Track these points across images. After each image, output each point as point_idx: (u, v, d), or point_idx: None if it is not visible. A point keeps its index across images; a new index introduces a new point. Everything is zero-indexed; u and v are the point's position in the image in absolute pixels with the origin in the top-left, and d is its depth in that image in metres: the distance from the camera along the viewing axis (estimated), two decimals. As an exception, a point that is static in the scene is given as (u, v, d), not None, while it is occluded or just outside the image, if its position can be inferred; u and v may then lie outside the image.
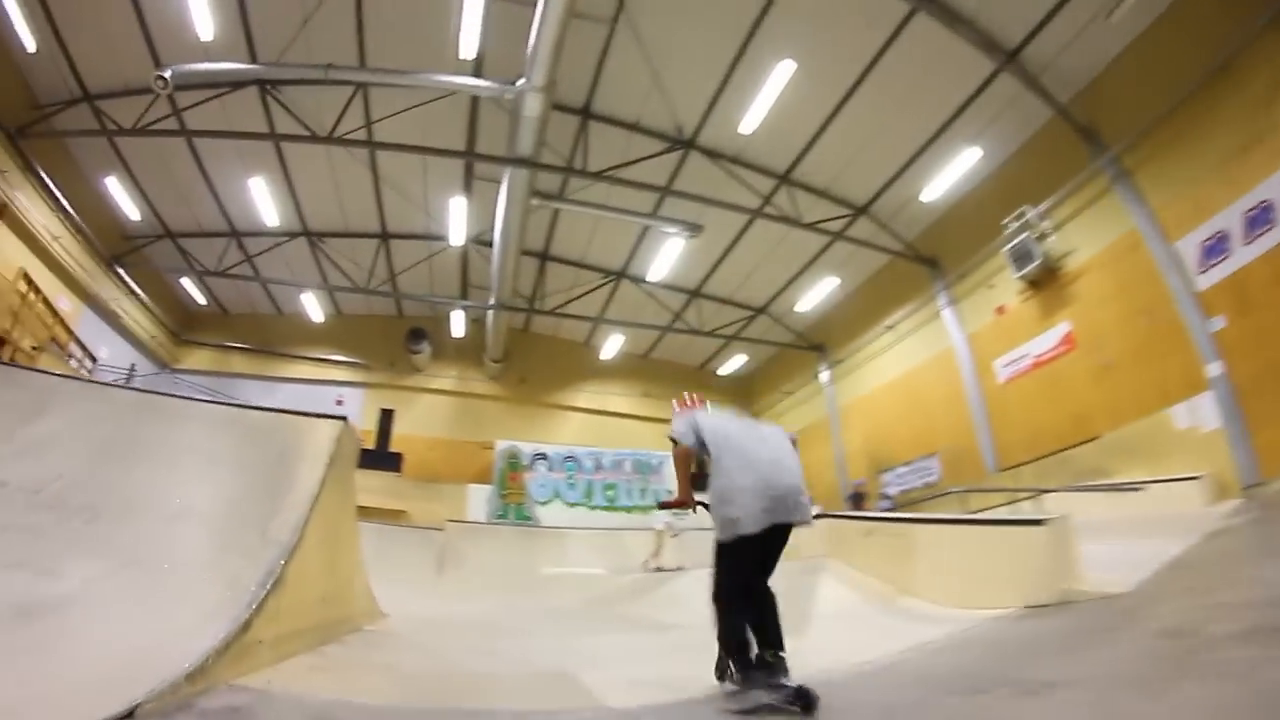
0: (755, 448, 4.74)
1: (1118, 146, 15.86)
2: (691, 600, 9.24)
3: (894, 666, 5.34)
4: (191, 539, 5.06)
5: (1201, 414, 14.16)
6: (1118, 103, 15.91)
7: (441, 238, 22.94)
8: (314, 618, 5.75)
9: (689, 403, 5.54)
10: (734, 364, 31.42)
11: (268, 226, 22.93)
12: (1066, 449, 17.08)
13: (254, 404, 7.60)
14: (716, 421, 5.03)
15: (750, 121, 17.71)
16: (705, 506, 4.83)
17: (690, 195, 19.75)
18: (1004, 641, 5.83)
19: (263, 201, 21.23)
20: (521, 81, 14.93)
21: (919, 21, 15.45)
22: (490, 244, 21.70)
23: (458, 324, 27.48)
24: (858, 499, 20.49)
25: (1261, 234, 13.07)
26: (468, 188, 21.08)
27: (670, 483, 24.96)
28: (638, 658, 7.13)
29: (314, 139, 18.16)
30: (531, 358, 30.21)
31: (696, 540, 19.82)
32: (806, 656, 4.83)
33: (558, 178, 20.30)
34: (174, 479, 5.68)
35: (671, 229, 20.17)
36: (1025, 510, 15.13)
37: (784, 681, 4.04)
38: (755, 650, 4.36)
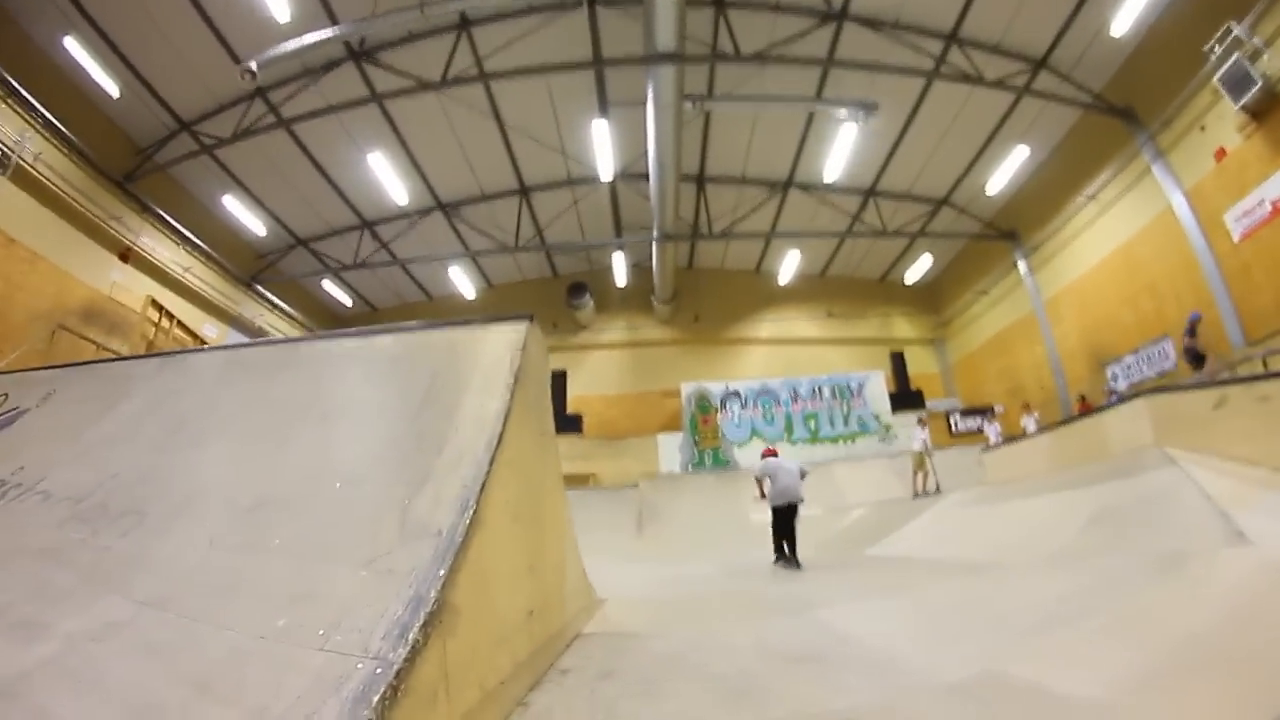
0: (782, 478, 10.45)
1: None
2: (949, 536, 10.20)
3: None
4: (271, 547, 3.12)
5: None
6: None
7: (586, 179, 21.74)
8: (518, 650, 3.42)
9: (767, 452, 11.39)
10: (920, 269, 28.87)
11: (398, 207, 21.88)
12: (1327, 308, 14.68)
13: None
14: (770, 467, 10.73)
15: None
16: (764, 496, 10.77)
17: (857, 64, 17.74)
18: None
19: (387, 178, 19.76)
20: (650, -42, 13.15)
21: None
22: (642, 175, 20.46)
23: (619, 269, 25.65)
24: (1196, 356, 15.41)
25: None
26: (604, 113, 18.85)
27: (873, 405, 26.35)
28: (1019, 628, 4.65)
29: (421, 87, 16.81)
30: (702, 294, 28.66)
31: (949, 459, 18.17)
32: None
33: (705, 77, 18.55)
34: (259, 452, 3.87)
35: (843, 111, 17.89)
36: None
37: (793, 562, 10.02)
38: (787, 552, 10.26)
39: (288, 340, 4.66)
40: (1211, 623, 3.59)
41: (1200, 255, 17.64)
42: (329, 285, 25.57)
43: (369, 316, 27.96)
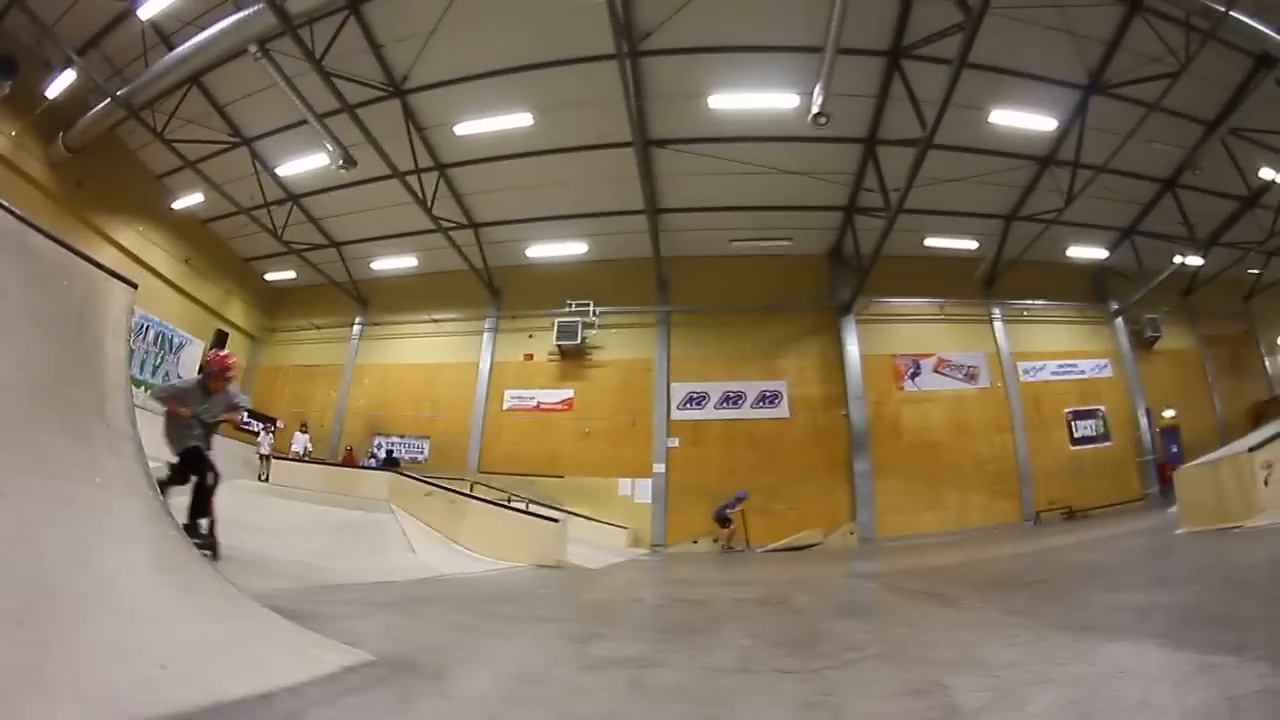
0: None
1: (674, 306, 23.74)
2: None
3: (495, 575, 9.68)
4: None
5: (639, 490, 22.03)
6: (686, 280, 23.96)
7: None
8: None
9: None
10: (281, 275, 28.70)
11: None
12: (535, 475, 22.30)
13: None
14: (179, 390, 7.74)
15: (466, 129, 19.59)
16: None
17: (369, 135, 18.19)
18: (544, 576, 10.32)
19: None
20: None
21: (621, 152, 19.21)
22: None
23: (62, 83, 18.94)
24: (724, 519, 20.23)
25: (724, 408, 22.86)
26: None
27: (184, 369, 23.82)
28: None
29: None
30: (102, 165, 21.25)
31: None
32: (438, 567, 9.55)
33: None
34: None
35: (331, 146, 17.96)
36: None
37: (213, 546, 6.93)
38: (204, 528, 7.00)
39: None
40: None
41: (477, 401, 24.73)
42: None
43: None
